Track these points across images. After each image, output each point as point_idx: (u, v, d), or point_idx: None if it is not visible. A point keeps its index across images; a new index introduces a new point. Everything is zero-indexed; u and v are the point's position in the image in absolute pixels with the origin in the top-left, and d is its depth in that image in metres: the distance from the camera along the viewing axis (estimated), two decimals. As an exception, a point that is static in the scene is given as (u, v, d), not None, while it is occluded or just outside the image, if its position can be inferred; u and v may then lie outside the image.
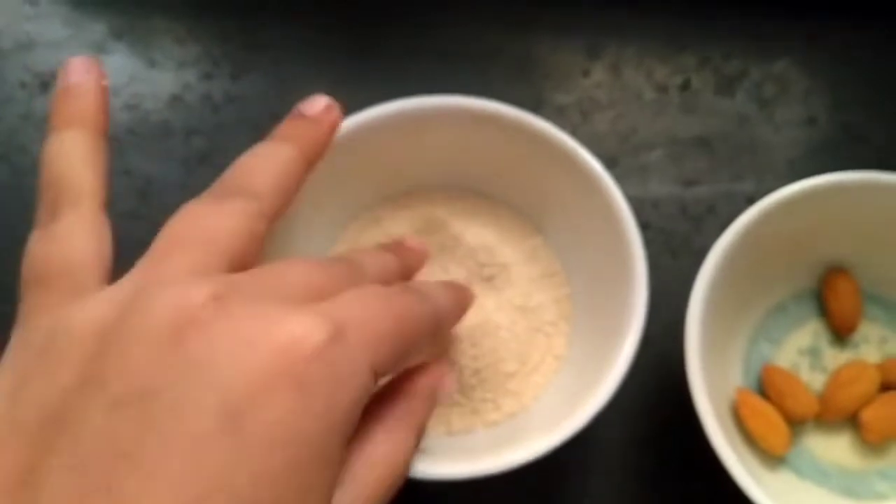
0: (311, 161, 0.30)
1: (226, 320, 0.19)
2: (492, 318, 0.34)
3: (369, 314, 0.22)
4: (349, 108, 0.34)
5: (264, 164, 0.28)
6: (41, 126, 0.41)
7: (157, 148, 0.41)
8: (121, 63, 0.43)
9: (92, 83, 0.26)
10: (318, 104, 0.31)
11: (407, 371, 0.26)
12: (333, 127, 0.31)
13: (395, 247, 0.33)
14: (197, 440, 0.18)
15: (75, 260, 0.23)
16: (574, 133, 0.41)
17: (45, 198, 0.24)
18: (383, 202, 0.37)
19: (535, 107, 0.41)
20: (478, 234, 0.36)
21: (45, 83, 0.42)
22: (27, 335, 0.21)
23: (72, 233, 0.23)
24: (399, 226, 0.36)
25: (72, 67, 0.26)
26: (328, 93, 0.41)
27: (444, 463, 0.30)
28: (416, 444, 0.24)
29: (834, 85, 0.42)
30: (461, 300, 0.29)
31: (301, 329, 0.19)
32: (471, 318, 0.34)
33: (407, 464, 0.24)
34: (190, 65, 0.43)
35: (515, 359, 0.34)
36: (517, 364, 0.34)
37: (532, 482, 0.35)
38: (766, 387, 0.35)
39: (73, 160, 0.25)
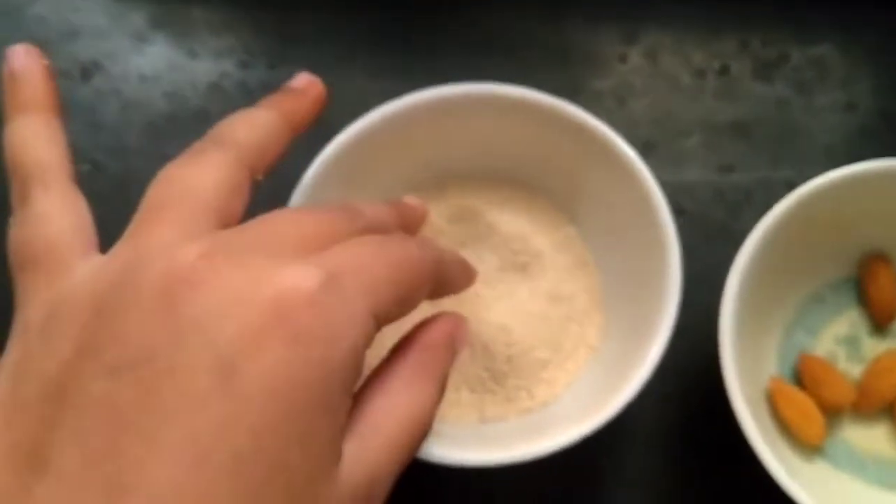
0: (294, 127, 0.30)
1: (215, 278, 0.19)
2: (525, 306, 0.34)
3: (365, 260, 0.22)
4: (385, 98, 0.34)
5: (242, 120, 0.28)
6: (82, 115, 0.42)
7: (196, 135, 0.42)
8: (160, 52, 0.43)
9: (35, 66, 0.27)
10: (301, 79, 0.32)
11: (423, 322, 0.26)
12: (318, 100, 0.31)
13: (394, 202, 0.33)
14: (194, 400, 0.18)
15: (55, 238, 0.23)
16: (610, 119, 0.40)
17: (15, 184, 0.25)
18: (417, 190, 0.37)
19: (572, 93, 0.41)
20: (511, 222, 0.36)
21: (88, 71, 0.43)
22: (25, 318, 0.22)
23: (46, 212, 0.24)
24: (433, 214, 0.36)
25: (12, 55, 0.27)
26: (364, 83, 0.42)
27: (476, 449, 0.30)
28: (440, 395, 0.24)
29: (874, 71, 0.41)
30: (465, 265, 0.30)
31: (292, 279, 0.19)
32: (504, 306, 0.35)
33: (430, 415, 0.23)
34: (227, 54, 0.43)
35: (548, 347, 0.34)
36: (550, 352, 0.34)
37: (561, 468, 0.35)
38: (802, 376, 0.34)
39: (33, 142, 0.25)
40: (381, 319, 0.22)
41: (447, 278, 0.27)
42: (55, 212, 0.24)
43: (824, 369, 0.34)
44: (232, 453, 0.18)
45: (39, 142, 0.25)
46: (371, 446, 0.21)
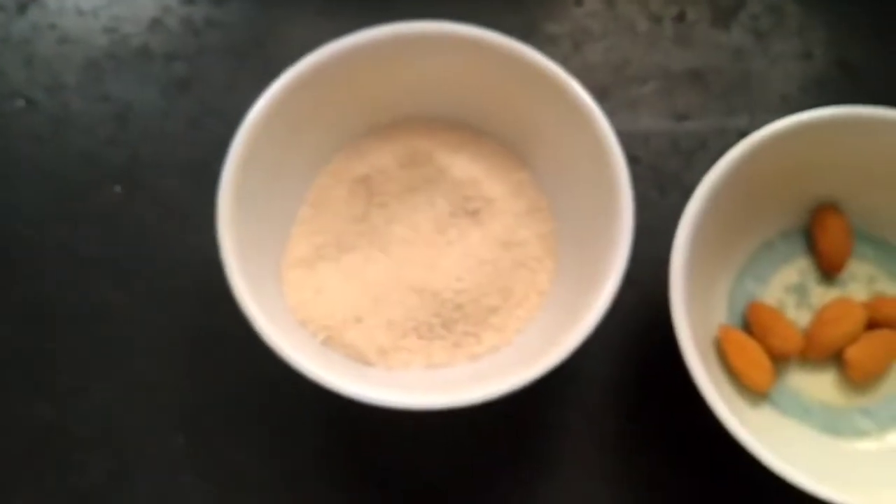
0: None
1: None
2: (476, 252, 0.34)
3: None
4: (334, 35, 0.33)
5: None
6: (19, 49, 0.40)
7: (137, 73, 0.40)
8: (99, -16, 0.41)
9: None
10: None
11: None
12: None
13: None
14: None
15: None
16: (565, 64, 0.40)
17: None
18: (367, 134, 0.36)
19: (526, 36, 0.40)
20: (464, 167, 0.35)
21: (24, 5, 0.41)
22: None
23: None
24: (384, 158, 0.35)
25: None
26: (315, 20, 0.41)
27: (423, 394, 0.29)
28: None
29: (830, 20, 0.41)
30: None
31: None
32: (455, 252, 0.34)
33: None
34: (170, -13, 0.42)
35: (499, 293, 0.34)
36: (500, 299, 0.34)
37: (513, 415, 0.35)
38: (751, 323, 0.34)
39: None
40: None
41: None
42: None
43: (772, 317, 0.34)
44: None
45: None
46: None
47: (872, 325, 0.34)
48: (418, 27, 0.33)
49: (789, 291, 0.36)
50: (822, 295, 0.36)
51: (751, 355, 0.33)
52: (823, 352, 0.34)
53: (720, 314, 0.35)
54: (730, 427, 0.28)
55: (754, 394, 0.34)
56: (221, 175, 0.30)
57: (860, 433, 0.34)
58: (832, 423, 0.34)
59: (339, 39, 0.33)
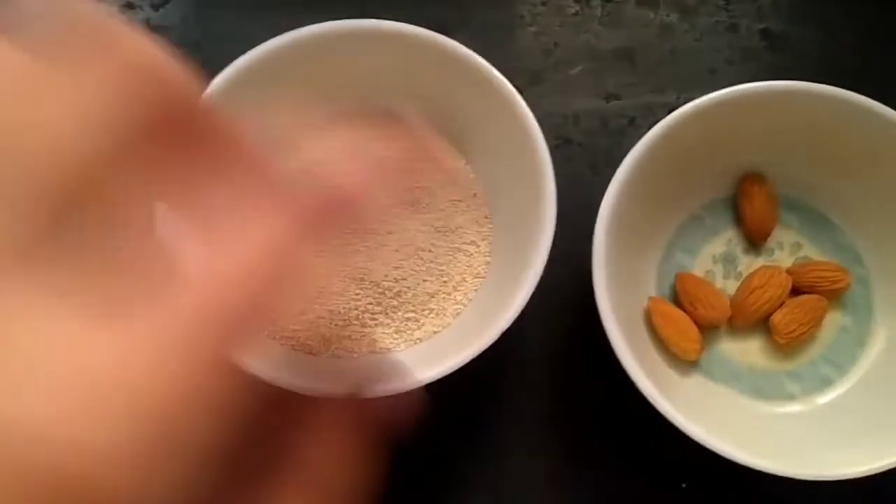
0: None
1: None
2: (414, 240, 0.35)
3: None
4: (271, 35, 0.34)
5: None
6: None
7: (82, 81, 0.41)
8: (39, -5, 0.42)
9: None
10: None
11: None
12: None
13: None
14: None
15: None
16: (499, 50, 0.41)
17: None
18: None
19: (459, 24, 0.41)
20: (399, 157, 0.36)
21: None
22: None
23: None
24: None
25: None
26: (247, 21, 0.41)
27: (368, 381, 0.31)
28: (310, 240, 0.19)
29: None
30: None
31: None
32: (394, 241, 0.35)
33: (293, 253, 0.18)
34: (110, -6, 0.43)
35: (437, 279, 0.35)
36: (438, 284, 0.35)
37: (451, 394, 0.36)
38: (679, 294, 0.36)
39: None
40: None
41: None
42: None
43: (700, 287, 0.35)
44: None
45: None
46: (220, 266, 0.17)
47: (798, 291, 0.36)
48: (347, 25, 0.34)
49: (717, 262, 0.37)
50: (749, 264, 0.37)
51: (679, 325, 0.34)
52: (750, 318, 0.35)
53: (650, 287, 0.37)
54: (647, 395, 0.30)
55: (685, 362, 0.35)
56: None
57: (788, 396, 0.35)
58: (761, 388, 0.35)
59: (271, 41, 0.34)
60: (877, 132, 0.34)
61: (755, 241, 0.37)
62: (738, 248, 0.37)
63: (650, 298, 0.35)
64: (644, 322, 0.35)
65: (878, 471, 0.30)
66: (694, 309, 0.35)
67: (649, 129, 0.38)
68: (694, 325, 0.35)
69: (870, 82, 0.40)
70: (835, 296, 0.36)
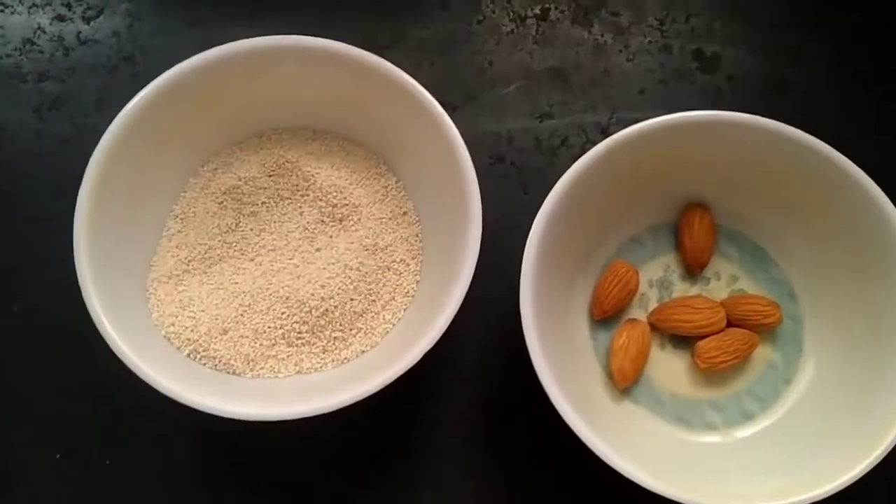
0: None
1: None
2: (342, 258, 0.35)
3: None
4: (202, 48, 0.34)
5: None
6: None
7: (9, 94, 0.40)
8: (-33, 6, 0.41)
9: None
10: None
11: None
12: None
13: None
14: None
15: None
16: (431, 68, 0.41)
17: None
18: (234, 146, 0.37)
19: (393, 41, 0.41)
20: (329, 175, 0.36)
21: None
22: None
23: None
24: (251, 169, 0.36)
25: None
26: (180, 35, 0.41)
27: (295, 402, 0.30)
28: None
29: (691, 11, 0.42)
30: None
31: None
32: (322, 259, 0.35)
33: None
34: (41, 7, 0.42)
35: (365, 298, 0.35)
36: (367, 303, 0.35)
37: (383, 412, 0.36)
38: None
39: None
40: None
41: None
42: None
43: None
44: None
45: None
46: None
47: (731, 323, 0.36)
48: (274, 41, 0.34)
49: (653, 286, 0.37)
50: (684, 291, 0.37)
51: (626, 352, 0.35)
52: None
53: (585, 308, 0.37)
54: (568, 420, 0.30)
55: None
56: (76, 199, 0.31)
57: (708, 426, 0.35)
58: (682, 416, 0.35)
59: (198, 55, 0.34)
60: (814, 170, 0.34)
61: (692, 269, 0.37)
62: (674, 274, 0.37)
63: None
64: (589, 338, 0.36)
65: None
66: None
67: (581, 148, 0.38)
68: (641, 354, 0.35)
69: (798, 102, 0.40)
70: (765, 329, 0.36)
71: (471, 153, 0.33)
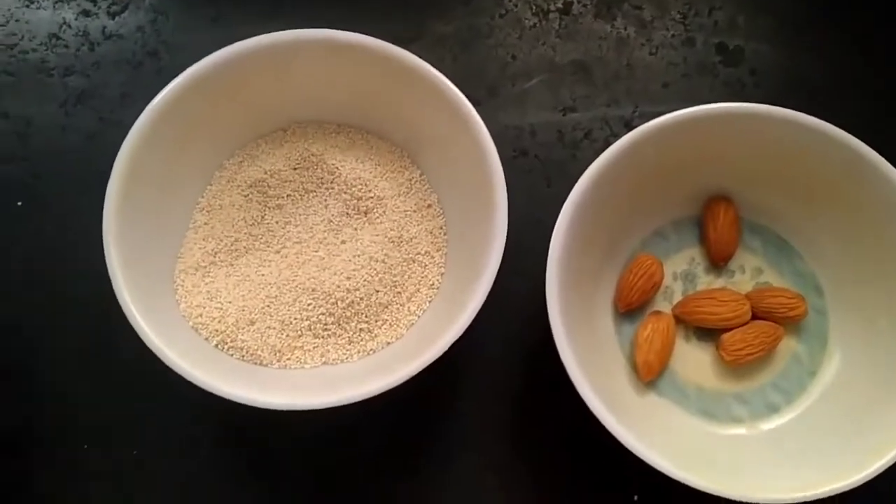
0: None
1: None
2: (367, 250, 0.35)
3: None
4: (226, 43, 0.34)
5: None
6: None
7: (35, 88, 0.41)
8: (-6, 2, 0.42)
9: None
10: None
11: None
12: None
13: None
14: None
15: None
16: (454, 62, 0.41)
17: None
18: (259, 139, 0.37)
19: (415, 36, 0.41)
20: (353, 167, 0.36)
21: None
22: None
23: None
24: (276, 162, 0.36)
25: None
26: (204, 30, 0.41)
27: (320, 393, 0.31)
28: None
29: (712, 6, 0.42)
30: None
31: None
32: (347, 251, 0.35)
33: None
34: (67, 2, 0.42)
35: (390, 290, 0.35)
36: (392, 295, 0.35)
37: (407, 404, 0.36)
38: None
39: None
40: None
41: None
42: None
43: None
44: None
45: None
46: None
47: (755, 316, 0.36)
48: (300, 34, 0.34)
49: (677, 278, 0.37)
50: (709, 284, 0.37)
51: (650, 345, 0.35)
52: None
53: (610, 302, 0.37)
54: (594, 410, 0.30)
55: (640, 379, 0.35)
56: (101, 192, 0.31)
57: (734, 419, 0.35)
58: (708, 409, 0.35)
59: (224, 49, 0.34)
60: (841, 163, 0.33)
61: (716, 262, 0.37)
62: (699, 267, 0.37)
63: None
64: (614, 331, 0.36)
65: (809, 499, 0.30)
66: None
67: (605, 141, 0.38)
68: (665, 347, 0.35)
69: (820, 96, 0.40)
70: (790, 322, 0.36)
71: (494, 147, 0.33)
